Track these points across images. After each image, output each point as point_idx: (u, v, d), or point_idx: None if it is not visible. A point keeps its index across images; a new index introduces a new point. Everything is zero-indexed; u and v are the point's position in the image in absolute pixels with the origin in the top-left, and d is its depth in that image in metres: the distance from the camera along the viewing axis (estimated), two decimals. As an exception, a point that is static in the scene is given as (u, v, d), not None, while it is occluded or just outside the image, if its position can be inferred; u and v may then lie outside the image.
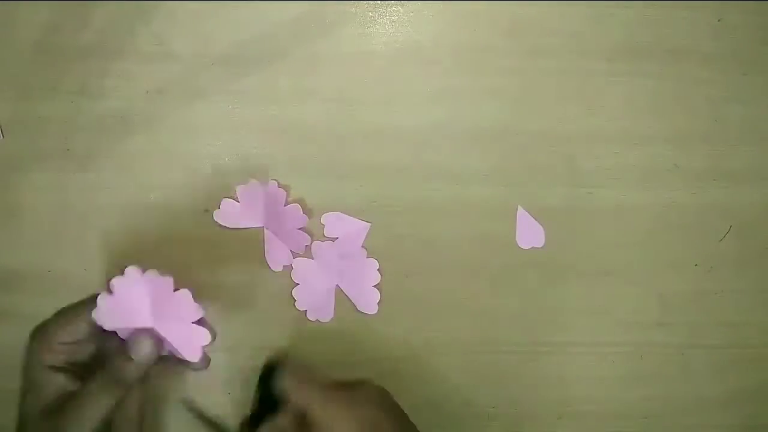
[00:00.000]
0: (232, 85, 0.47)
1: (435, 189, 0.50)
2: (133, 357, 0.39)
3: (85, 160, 0.48)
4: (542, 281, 0.52)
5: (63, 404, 0.38)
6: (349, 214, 0.49)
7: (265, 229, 0.48)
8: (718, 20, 0.48)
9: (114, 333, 0.40)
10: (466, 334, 0.52)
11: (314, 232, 0.49)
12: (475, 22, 0.47)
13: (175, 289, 0.39)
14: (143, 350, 0.39)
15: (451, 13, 0.47)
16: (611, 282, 0.52)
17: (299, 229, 0.48)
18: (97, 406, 0.38)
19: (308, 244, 0.49)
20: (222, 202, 0.48)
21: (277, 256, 0.48)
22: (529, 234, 0.51)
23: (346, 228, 0.49)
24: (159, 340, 0.40)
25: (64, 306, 0.42)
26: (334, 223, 0.49)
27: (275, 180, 0.48)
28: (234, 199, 0.48)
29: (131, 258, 0.49)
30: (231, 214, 0.48)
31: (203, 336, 0.40)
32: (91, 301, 0.40)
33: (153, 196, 0.48)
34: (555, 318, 0.52)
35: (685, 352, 0.54)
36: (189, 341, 0.40)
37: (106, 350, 0.42)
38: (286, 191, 0.48)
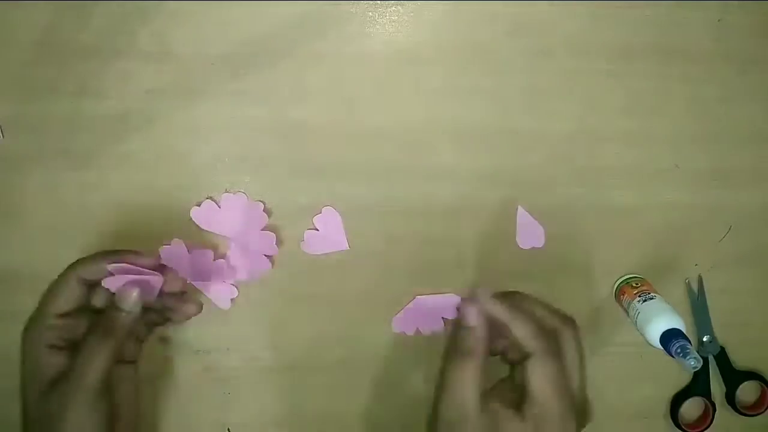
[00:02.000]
0: (232, 85, 0.47)
1: (435, 189, 0.50)
2: (121, 306, 0.39)
3: (85, 160, 0.48)
4: (542, 281, 0.52)
5: (63, 374, 0.38)
6: (348, 214, 0.49)
7: (231, 243, 0.48)
8: (718, 20, 0.48)
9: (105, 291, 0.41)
10: (466, 334, 0.52)
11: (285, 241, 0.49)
12: (475, 22, 0.47)
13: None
14: (130, 299, 0.39)
15: (451, 13, 0.47)
16: (611, 282, 0.52)
17: (265, 256, 0.49)
18: (95, 359, 0.38)
19: (266, 269, 0.49)
20: (204, 202, 0.48)
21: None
22: (529, 234, 0.51)
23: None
24: (145, 291, 0.40)
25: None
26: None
27: (262, 201, 0.48)
28: (216, 203, 0.48)
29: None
30: (208, 217, 0.48)
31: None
32: (74, 263, 0.40)
33: (153, 196, 0.48)
34: (555, 318, 0.52)
35: (685, 352, 0.54)
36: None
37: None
38: (267, 213, 0.48)
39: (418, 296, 0.51)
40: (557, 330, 0.41)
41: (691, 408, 0.55)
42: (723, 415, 0.54)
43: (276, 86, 0.47)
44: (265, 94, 0.48)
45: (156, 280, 0.41)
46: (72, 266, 0.41)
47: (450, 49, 0.48)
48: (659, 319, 0.45)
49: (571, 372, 0.40)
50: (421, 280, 0.51)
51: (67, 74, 0.46)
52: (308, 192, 0.49)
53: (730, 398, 0.54)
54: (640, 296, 0.47)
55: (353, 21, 0.47)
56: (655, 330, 0.44)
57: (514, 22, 0.47)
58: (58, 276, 0.41)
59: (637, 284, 0.49)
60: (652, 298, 0.47)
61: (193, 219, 0.48)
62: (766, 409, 0.54)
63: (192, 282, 0.49)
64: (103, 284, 0.40)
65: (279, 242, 0.49)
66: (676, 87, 0.49)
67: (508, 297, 0.42)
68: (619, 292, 0.50)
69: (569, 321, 0.42)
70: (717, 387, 0.54)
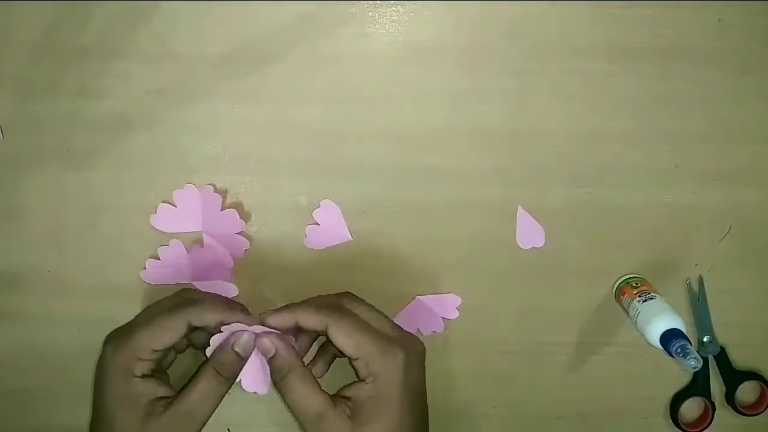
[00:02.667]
0: (232, 85, 0.47)
1: (435, 189, 0.50)
2: (237, 350, 0.40)
3: (85, 160, 0.48)
4: (542, 281, 0.52)
5: (167, 408, 0.39)
6: (348, 214, 0.49)
7: (204, 234, 0.48)
8: (718, 20, 0.48)
9: (202, 330, 0.41)
10: (465, 334, 0.52)
11: (253, 236, 0.49)
12: (475, 22, 0.47)
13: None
14: (248, 345, 0.41)
15: (451, 13, 0.47)
16: (611, 282, 0.52)
17: (237, 233, 0.48)
18: (210, 400, 0.39)
19: (247, 248, 0.49)
20: (158, 207, 0.48)
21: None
22: (529, 234, 0.51)
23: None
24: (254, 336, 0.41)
25: (150, 307, 0.42)
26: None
27: (212, 184, 0.48)
28: (172, 204, 0.48)
29: (131, 258, 0.49)
30: (169, 219, 0.48)
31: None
32: (186, 306, 0.40)
33: (153, 196, 0.48)
34: (555, 318, 0.52)
35: (685, 352, 0.54)
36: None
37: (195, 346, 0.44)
38: (222, 195, 0.48)
39: (418, 296, 0.51)
40: (339, 302, 0.42)
41: (691, 408, 0.55)
42: (723, 415, 0.54)
43: (276, 86, 0.47)
44: (264, 94, 0.48)
45: (261, 334, 0.41)
46: (183, 308, 0.40)
47: (450, 49, 0.48)
48: (659, 319, 0.45)
49: (369, 318, 0.41)
50: (421, 280, 0.51)
51: (67, 74, 0.46)
52: (308, 192, 0.49)
53: (730, 398, 0.54)
54: (640, 296, 0.47)
55: (353, 21, 0.47)
56: (655, 330, 0.44)
57: (514, 22, 0.47)
58: (167, 313, 0.40)
59: (637, 284, 0.49)
60: (652, 298, 0.47)
61: (155, 227, 0.48)
62: (765, 409, 0.54)
63: (192, 281, 0.49)
64: (220, 330, 0.41)
65: (280, 240, 0.49)
66: (676, 87, 0.49)
67: (281, 308, 0.42)
68: (619, 292, 0.50)
69: (342, 293, 0.44)
70: (717, 387, 0.54)
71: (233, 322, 0.40)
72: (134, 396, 0.39)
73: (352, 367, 0.41)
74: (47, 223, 0.48)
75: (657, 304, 0.46)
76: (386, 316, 0.43)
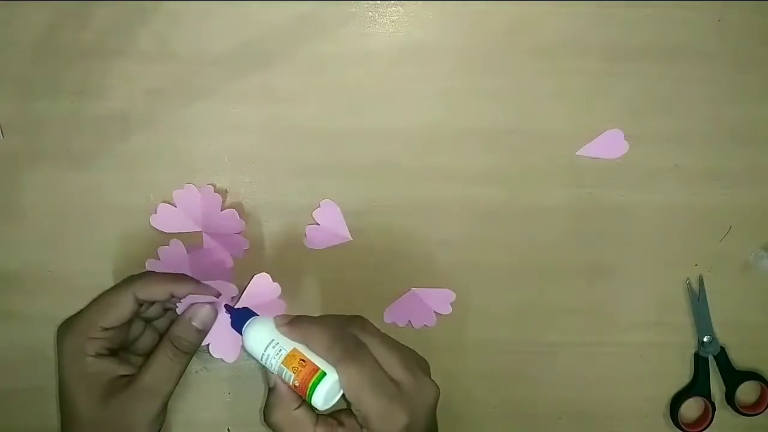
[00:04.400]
0: (232, 85, 0.47)
1: (435, 189, 0.50)
2: (195, 324, 0.40)
3: (85, 160, 0.48)
4: (542, 281, 0.52)
5: (127, 385, 0.38)
6: (348, 214, 0.49)
7: (203, 234, 0.48)
8: (718, 20, 0.48)
9: (156, 305, 0.41)
10: (466, 334, 0.52)
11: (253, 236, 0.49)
12: (475, 22, 0.47)
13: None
14: (206, 317, 0.40)
15: (451, 13, 0.47)
16: (611, 282, 0.52)
17: (237, 233, 0.48)
18: (169, 378, 0.39)
19: (247, 248, 0.49)
20: (158, 207, 0.48)
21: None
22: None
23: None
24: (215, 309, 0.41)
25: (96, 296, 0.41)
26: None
27: (212, 184, 0.48)
28: (172, 204, 0.48)
29: (131, 258, 0.49)
30: (168, 219, 0.48)
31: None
32: (131, 281, 0.40)
33: (153, 196, 0.48)
34: (555, 318, 0.52)
35: (684, 351, 0.54)
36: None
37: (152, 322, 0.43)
38: (222, 195, 0.48)
39: (413, 288, 0.51)
40: (352, 339, 0.40)
41: (691, 408, 0.55)
42: (723, 415, 0.54)
43: (275, 86, 0.47)
44: (264, 94, 0.48)
45: (217, 303, 0.41)
46: (129, 283, 0.40)
47: (450, 49, 0.48)
48: None
49: (380, 357, 0.39)
50: (421, 280, 0.51)
51: (67, 74, 0.46)
52: (308, 192, 0.49)
53: (730, 398, 0.54)
54: None
55: (353, 21, 0.47)
56: None
57: (514, 22, 0.47)
58: (113, 290, 0.40)
59: None
60: None
61: (155, 226, 0.48)
62: (766, 409, 0.54)
63: None
64: (171, 305, 0.41)
65: (280, 240, 0.49)
66: (676, 87, 0.49)
67: (297, 321, 0.41)
68: None
69: (357, 319, 0.41)
70: (717, 387, 0.54)
71: (185, 295, 0.40)
72: (90, 375, 0.38)
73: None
74: (47, 223, 0.48)
75: None
76: (399, 350, 0.40)
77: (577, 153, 0.50)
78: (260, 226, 0.49)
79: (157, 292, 0.40)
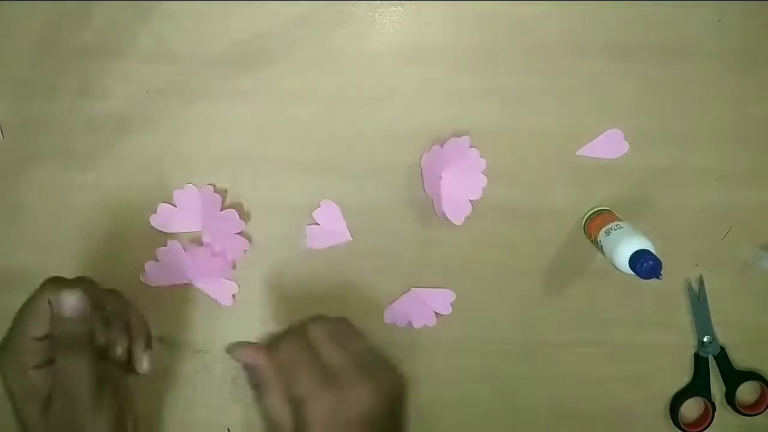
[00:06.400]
0: (232, 85, 0.47)
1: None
2: (69, 316, 0.39)
3: (85, 160, 0.48)
4: (542, 281, 0.52)
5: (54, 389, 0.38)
6: (348, 214, 0.49)
7: (203, 234, 0.48)
8: (718, 20, 0.48)
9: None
10: (466, 334, 0.52)
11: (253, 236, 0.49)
12: (475, 22, 0.47)
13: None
14: (68, 304, 0.39)
15: (451, 13, 0.47)
16: (611, 282, 0.52)
17: (237, 233, 0.48)
18: (76, 373, 0.38)
19: (247, 248, 0.49)
20: (158, 207, 0.48)
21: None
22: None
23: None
24: (83, 294, 0.39)
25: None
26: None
27: (212, 184, 0.48)
28: (172, 204, 0.48)
29: (131, 258, 0.49)
30: (168, 219, 0.48)
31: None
32: (44, 290, 0.39)
33: (153, 196, 0.48)
34: (554, 318, 0.52)
35: (684, 351, 0.54)
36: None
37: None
38: (222, 195, 0.48)
39: (414, 288, 0.51)
40: (301, 326, 0.39)
41: (691, 408, 0.55)
42: (723, 415, 0.54)
43: (276, 86, 0.47)
44: (265, 94, 0.48)
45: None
46: (42, 289, 0.39)
47: (450, 49, 0.48)
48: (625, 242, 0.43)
49: (325, 354, 0.37)
50: (421, 280, 0.51)
51: (67, 74, 0.46)
52: (308, 191, 0.49)
53: (730, 398, 0.54)
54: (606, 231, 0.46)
55: (353, 21, 0.47)
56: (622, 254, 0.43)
57: (513, 22, 0.47)
58: (29, 299, 0.39)
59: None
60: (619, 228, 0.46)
61: (155, 226, 0.48)
62: (766, 409, 0.54)
63: (192, 281, 0.49)
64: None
65: (280, 240, 0.49)
66: (676, 87, 0.49)
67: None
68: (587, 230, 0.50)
69: (317, 317, 0.40)
70: (717, 387, 0.54)
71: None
72: (33, 387, 0.38)
73: None
74: (47, 223, 0.48)
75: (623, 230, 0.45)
76: (347, 347, 0.38)
77: (577, 153, 0.50)
78: (260, 226, 0.49)
79: (64, 297, 0.39)
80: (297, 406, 0.36)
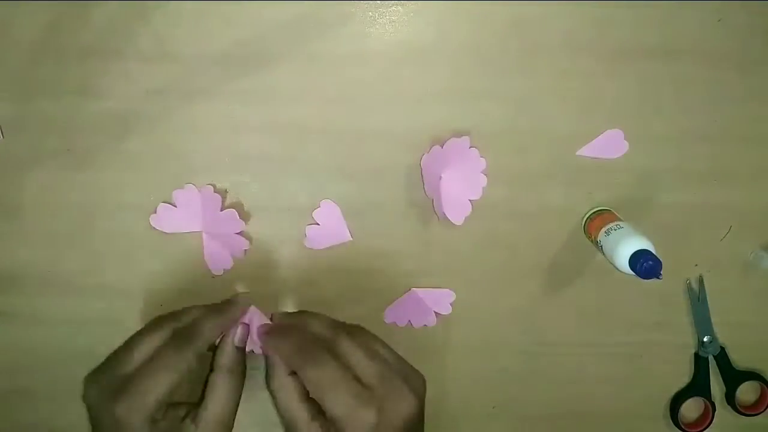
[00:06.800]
0: (232, 85, 0.47)
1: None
2: (237, 344, 0.41)
3: (85, 160, 0.48)
4: (542, 281, 0.52)
5: (194, 422, 0.38)
6: (348, 214, 0.49)
7: (203, 233, 0.48)
8: (718, 20, 0.48)
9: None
10: (466, 334, 0.52)
11: (253, 236, 0.49)
12: (475, 22, 0.47)
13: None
14: (242, 335, 0.41)
15: (451, 13, 0.47)
16: (611, 282, 0.52)
17: (237, 233, 0.48)
18: (233, 405, 0.39)
19: (247, 248, 0.49)
20: (158, 207, 0.48)
21: (217, 259, 0.49)
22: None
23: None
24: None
25: (136, 346, 0.38)
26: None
27: (212, 184, 0.48)
28: (172, 204, 0.48)
29: (131, 258, 0.49)
30: (168, 218, 0.48)
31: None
32: (188, 340, 0.38)
33: (153, 196, 0.48)
34: (555, 318, 0.52)
35: (684, 351, 0.54)
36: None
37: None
38: (222, 195, 0.48)
39: (414, 288, 0.51)
40: (329, 338, 0.40)
41: (691, 408, 0.55)
42: (723, 415, 0.54)
43: (275, 86, 0.47)
44: (264, 94, 0.48)
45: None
46: (187, 342, 0.38)
47: (450, 49, 0.48)
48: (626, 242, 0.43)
49: (358, 368, 0.38)
50: (421, 280, 0.51)
51: (67, 74, 0.46)
52: (308, 191, 0.49)
53: (730, 398, 0.54)
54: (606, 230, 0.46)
55: (353, 21, 0.47)
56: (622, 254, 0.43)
57: (513, 22, 0.47)
58: (172, 353, 0.38)
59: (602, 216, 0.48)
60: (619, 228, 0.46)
61: (155, 227, 0.48)
62: (766, 409, 0.54)
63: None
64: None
65: (280, 240, 0.49)
66: (676, 87, 0.49)
67: (268, 334, 0.42)
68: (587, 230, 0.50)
69: (346, 327, 0.41)
70: (717, 387, 0.54)
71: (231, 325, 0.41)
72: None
73: None
74: (47, 223, 0.48)
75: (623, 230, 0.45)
76: (382, 361, 0.39)
77: (577, 153, 0.50)
78: (260, 226, 0.49)
79: (213, 334, 0.40)
80: (335, 423, 0.36)
